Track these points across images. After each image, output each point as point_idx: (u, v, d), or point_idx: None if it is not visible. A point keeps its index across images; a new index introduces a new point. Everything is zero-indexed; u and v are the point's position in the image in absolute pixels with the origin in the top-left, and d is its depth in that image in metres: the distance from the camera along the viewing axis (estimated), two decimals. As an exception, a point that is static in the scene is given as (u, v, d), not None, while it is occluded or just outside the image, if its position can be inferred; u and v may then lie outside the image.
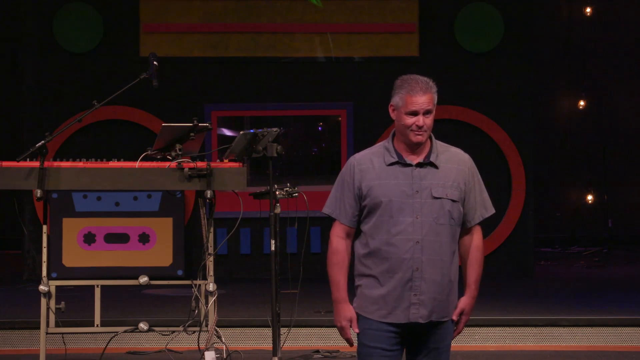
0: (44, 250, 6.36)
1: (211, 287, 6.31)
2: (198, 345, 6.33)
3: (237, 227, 6.59)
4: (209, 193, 5.99)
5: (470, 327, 7.60)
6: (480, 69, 11.37)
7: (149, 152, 6.16)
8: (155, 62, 6.25)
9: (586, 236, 14.62)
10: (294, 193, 6.28)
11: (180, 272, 10.39)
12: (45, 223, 6.39)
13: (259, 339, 7.53)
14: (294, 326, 6.98)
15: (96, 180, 6.02)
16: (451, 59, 11.38)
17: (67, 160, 6.09)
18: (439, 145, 4.28)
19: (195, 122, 6.01)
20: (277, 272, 6.08)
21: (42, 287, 6.24)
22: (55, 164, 6.01)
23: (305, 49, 11.42)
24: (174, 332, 6.72)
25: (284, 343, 6.57)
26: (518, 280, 10.94)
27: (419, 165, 4.19)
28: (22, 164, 5.95)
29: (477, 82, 11.37)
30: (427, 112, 4.18)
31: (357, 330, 4.23)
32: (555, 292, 10.18)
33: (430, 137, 4.26)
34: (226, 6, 11.38)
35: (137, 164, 6.06)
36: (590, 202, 15.00)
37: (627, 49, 14.94)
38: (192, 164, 6.04)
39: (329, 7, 11.32)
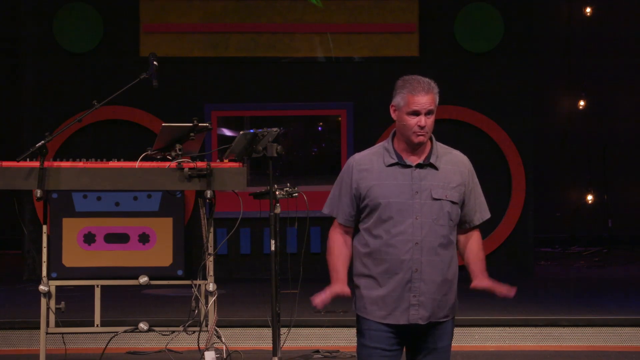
0: (44, 250, 6.36)
1: (211, 287, 6.31)
2: (198, 345, 6.32)
3: (237, 227, 6.59)
4: (209, 193, 5.99)
5: (470, 327, 7.61)
6: (480, 69, 11.37)
7: (149, 152, 6.16)
8: (155, 62, 6.24)
9: (586, 236, 14.61)
10: (294, 193, 6.28)
11: (180, 272, 10.39)
12: (45, 223, 6.39)
13: (259, 339, 7.52)
14: (294, 326, 6.98)
15: (96, 180, 6.02)
16: (451, 59, 11.37)
17: (67, 160, 6.09)
18: (439, 146, 4.28)
19: (195, 122, 6.01)
20: (277, 272, 6.08)
21: (42, 287, 6.24)
22: (55, 164, 6.01)
23: (305, 49, 11.42)
24: (174, 332, 6.72)
25: (284, 343, 6.57)
26: (518, 280, 10.88)
27: (419, 166, 4.19)
28: (22, 164, 5.95)
29: (477, 82, 11.37)
30: (428, 113, 4.18)
31: (348, 293, 4.19)
32: (555, 292, 10.18)
33: (430, 138, 4.26)
34: (226, 6, 11.38)
35: (137, 164, 6.06)
36: (590, 202, 14.99)
37: (627, 49, 14.94)
38: (192, 164, 6.04)
39: (329, 7, 11.32)
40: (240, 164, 6.12)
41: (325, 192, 4.36)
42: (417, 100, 4.15)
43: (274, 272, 6.06)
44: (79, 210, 10.48)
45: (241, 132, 6.05)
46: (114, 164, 6.08)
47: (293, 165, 11.37)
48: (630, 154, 14.90)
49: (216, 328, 6.30)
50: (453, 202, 4.19)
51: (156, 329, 6.68)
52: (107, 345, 6.71)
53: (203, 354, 6.20)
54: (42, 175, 5.90)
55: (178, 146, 6.07)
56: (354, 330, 4.38)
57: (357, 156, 4.31)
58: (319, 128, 11.60)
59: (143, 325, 6.49)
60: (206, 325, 6.32)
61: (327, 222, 4.33)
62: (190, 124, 6.00)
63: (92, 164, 6.05)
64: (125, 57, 11.17)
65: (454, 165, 4.24)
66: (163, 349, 7.16)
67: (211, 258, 6.34)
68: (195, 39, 11.36)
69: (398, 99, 4.19)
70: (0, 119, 14.18)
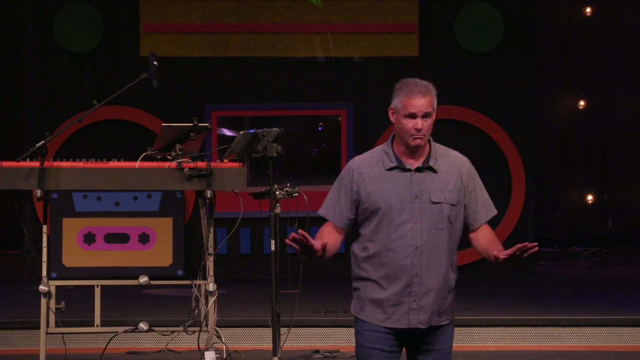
0: (44, 250, 6.36)
1: (211, 287, 6.31)
2: (198, 345, 6.33)
3: (237, 227, 6.59)
4: (209, 193, 5.99)
5: (470, 327, 7.61)
6: (480, 69, 11.37)
7: (149, 152, 6.16)
8: (155, 62, 6.24)
9: (586, 236, 14.61)
10: (294, 193, 6.28)
11: (180, 272, 10.39)
12: (45, 223, 6.39)
13: (259, 339, 7.53)
14: (294, 326, 6.98)
15: (96, 180, 6.02)
16: (451, 59, 11.38)
17: (67, 160, 6.09)
18: (438, 148, 4.26)
19: (195, 122, 6.01)
20: (277, 272, 6.08)
21: (42, 287, 6.24)
22: (55, 164, 6.01)
23: (305, 49, 11.42)
24: (174, 332, 6.72)
25: (284, 343, 6.57)
26: (518, 280, 10.93)
27: (418, 169, 4.18)
28: (22, 164, 5.95)
29: (477, 82, 11.37)
30: (425, 115, 4.16)
31: (317, 246, 4.08)
32: (555, 292, 10.18)
33: (429, 141, 4.25)
34: (226, 6, 11.38)
35: (137, 164, 6.06)
36: (590, 202, 14.99)
37: (627, 48, 14.94)
38: (192, 164, 6.04)
39: (329, 7, 11.32)
40: (240, 164, 6.13)
41: (326, 192, 4.36)
42: (414, 103, 4.14)
43: (274, 272, 6.06)
44: (79, 210, 10.48)
45: (241, 132, 6.05)
46: (114, 164, 6.08)
47: (293, 165, 11.37)
48: (630, 154, 14.90)
49: (216, 328, 6.30)
50: (452, 205, 4.17)
51: (156, 329, 6.69)
52: (107, 345, 6.71)
53: (203, 354, 6.20)
54: (42, 175, 5.90)
55: (178, 146, 6.07)
56: (353, 331, 4.38)
57: (357, 159, 4.30)
58: (319, 128, 11.60)
59: (143, 325, 6.49)
60: (206, 325, 6.32)
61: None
62: (190, 124, 6.00)
63: (92, 164, 6.05)
64: (125, 57, 11.18)
65: (452, 167, 4.23)
66: (163, 349, 7.16)
67: (211, 258, 6.34)
68: (195, 39, 11.36)
69: (396, 102, 4.19)
70: (0, 119, 14.18)
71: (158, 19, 11.32)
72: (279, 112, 11.34)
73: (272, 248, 6.09)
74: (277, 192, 6.15)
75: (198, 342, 6.32)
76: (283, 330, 6.47)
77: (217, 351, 6.32)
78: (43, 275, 6.30)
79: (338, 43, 11.40)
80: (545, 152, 14.57)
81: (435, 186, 4.16)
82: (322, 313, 7.92)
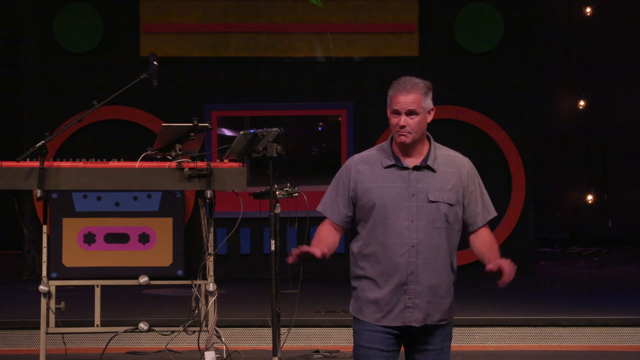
0: (44, 250, 6.36)
1: (211, 287, 6.31)
2: (198, 345, 6.32)
3: (237, 227, 6.59)
4: (209, 193, 5.99)
5: (470, 327, 7.61)
6: (480, 69, 11.37)
7: (149, 152, 6.16)
8: (155, 62, 6.24)
9: (586, 236, 14.61)
10: (294, 193, 6.28)
11: (180, 272, 10.39)
12: (45, 223, 6.39)
13: (259, 339, 7.52)
14: (294, 326, 6.98)
15: (96, 180, 6.02)
16: (451, 59, 11.38)
17: (67, 160, 6.09)
18: (438, 148, 4.26)
19: (195, 122, 6.01)
20: (277, 272, 6.08)
21: (42, 287, 6.24)
22: (55, 164, 6.01)
23: (305, 49, 11.42)
24: (174, 332, 6.72)
25: (284, 343, 6.57)
26: (518, 280, 10.87)
27: (416, 168, 4.18)
28: (22, 164, 5.95)
29: (477, 82, 11.37)
30: (410, 113, 4.14)
31: (317, 253, 4.11)
32: (555, 292, 10.18)
33: (429, 140, 4.25)
34: (226, 6, 11.38)
35: (137, 164, 6.06)
36: (590, 202, 14.99)
37: (627, 48, 14.94)
38: (192, 164, 6.04)
39: (329, 7, 11.32)
40: (240, 164, 6.12)
41: (325, 192, 4.36)
42: (397, 100, 4.14)
43: (274, 272, 6.06)
44: (79, 210, 10.48)
45: (241, 132, 6.05)
46: (114, 164, 6.08)
47: (293, 165, 11.37)
48: (630, 154, 14.90)
49: (216, 328, 6.30)
50: (450, 204, 4.17)
51: (156, 329, 6.68)
52: (107, 345, 6.71)
53: (203, 354, 6.20)
54: (42, 175, 5.90)
55: (178, 146, 6.07)
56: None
57: (356, 157, 4.31)
58: (319, 128, 11.60)
59: (143, 325, 6.49)
60: (206, 325, 6.32)
61: (327, 222, 4.33)
62: (190, 124, 6.00)
63: (92, 164, 6.05)
64: (125, 57, 11.18)
65: (452, 167, 4.22)
66: (163, 349, 7.16)
67: (211, 258, 6.34)
68: (195, 39, 11.36)
69: (387, 100, 4.21)
70: (0, 119, 14.18)
71: (158, 19, 11.32)
72: (279, 112, 11.34)
73: (272, 248, 6.09)
74: (277, 192, 6.15)
75: (198, 342, 6.32)
76: (283, 330, 6.46)
77: (217, 351, 6.32)
78: (43, 275, 6.30)
79: (338, 43, 11.40)
80: (545, 152, 14.57)
81: (433, 185, 4.16)
82: (322, 313, 7.92)
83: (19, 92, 11.41)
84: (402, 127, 4.14)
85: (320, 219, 4.34)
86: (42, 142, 5.86)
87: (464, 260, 10.12)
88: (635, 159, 14.87)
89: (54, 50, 11.20)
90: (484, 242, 4.27)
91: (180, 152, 6.06)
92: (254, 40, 11.37)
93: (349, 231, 4.31)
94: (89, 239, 10.47)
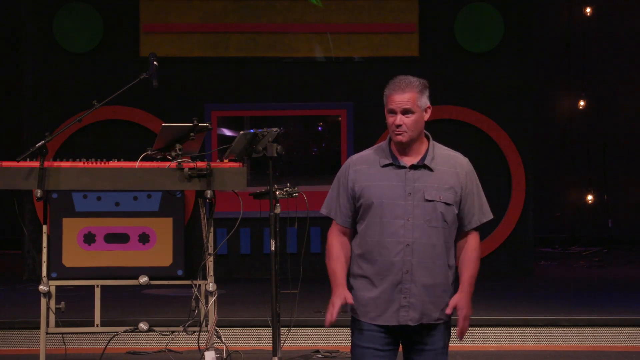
0: (44, 250, 6.36)
1: (211, 287, 6.31)
2: (198, 345, 6.33)
3: (237, 227, 6.59)
4: (209, 193, 5.99)
5: (470, 327, 7.58)
6: (480, 69, 11.37)
7: (149, 152, 6.16)
8: (155, 62, 6.24)
9: (586, 236, 14.61)
10: (294, 193, 6.29)
11: (180, 272, 10.39)
12: (45, 223, 6.39)
13: (259, 339, 7.52)
14: (294, 326, 6.98)
15: (96, 180, 6.02)
16: (451, 59, 11.38)
17: (67, 160, 6.09)
18: (437, 147, 4.25)
19: (195, 122, 6.01)
20: (277, 272, 6.08)
21: (42, 287, 6.24)
22: (55, 164, 6.01)
23: (305, 49, 11.42)
24: (174, 332, 6.72)
25: (284, 343, 6.57)
26: (518, 280, 10.94)
27: (413, 167, 4.18)
28: (22, 164, 5.95)
29: (477, 82, 11.38)
30: (406, 112, 4.14)
31: (350, 302, 4.17)
32: (555, 292, 10.18)
33: (428, 139, 4.25)
34: (226, 6, 11.38)
35: (137, 164, 6.06)
36: (590, 202, 15.00)
37: (627, 48, 14.95)
38: (192, 164, 6.04)
39: (329, 7, 11.32)
40: (240, 164, 6.12)
41: (325, 192, 4.36)
42: (393, 99, 4.15)
43: (274, 272, 6.06)
44: (79, 210, 10.48)
45: (241, 132, 6.05)
46: (114, 164, 6.08)
47: (293, 165, 11.37)
48: (630, 154, 14.91)
49: (216, 328, 6.30)
50: (447, 204, 4.16)
51: (156, 329, 6.68)
52: (107, 345, 6.71)
53: (203, 354, 6.20)
54: (42, 175, 5.90)
55: (178, 146, 6.07)
56: (353, 331, 4.38)
57: (355, 157, 4.32)
58: (319, 128, 11.60)
59: (143, 325, 6.49)
60: (206, 325, 6.32)
61: (327, 222, 4.33)
62: (190, 124, 6.00)
63: (92, 164, 6.05)
64: (125, 57, 11.18)
65: (450, 167, 4.21)
66: (163, 349, 7.15)
67: (211, 258, 6.34)
68: (195, 39, 11.36)
69: (384, 99, 4.21)
70: (0, 119, 14.18)
71: (158, 19, 11.32)
72: (279, 112, 11.35)
73: (272, 248, 6.09)
74: (277, 192, 6.15)
75: (198, 342, 6.32)
76: (283, 330, 6.46)
77: (217, 351, 6.32)
78: (43, 275, 6.30)
79: (338, 43, 11.40)
80: (545, 152, 14.57)
81: (430, 184, 4.16)
82: (322, 313, 7.92)
83: (19, 92, 11.41)
84: (398, 126, 4.14)
85: (321, 218, 4.34)
86: (42, 142, 5.86)
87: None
88: (635, 159, 14.87)
89: (54, 50, 11.20)
90: (465, 256, 4.25)
91: (180, 152, 6.06)
92: (254, 40, 11.37)
93: (354, 232, 4.30)
94: (89, 239, 10.47)
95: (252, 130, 6.03)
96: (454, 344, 4.44)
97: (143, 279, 6.49)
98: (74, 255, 10.39)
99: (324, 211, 4.33)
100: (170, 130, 6.05)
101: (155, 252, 10.47)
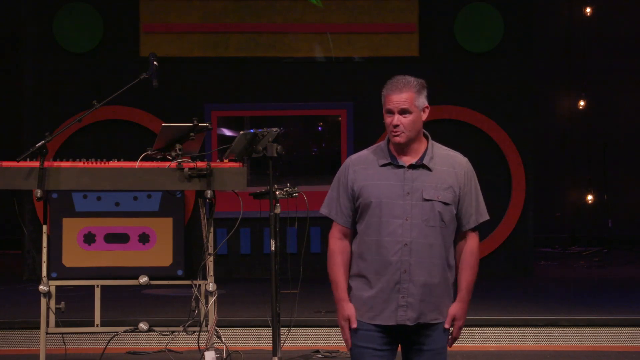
0: (44, 250, 6.36)
1: (211, 287, 6.31)
2: (198, 345, 6.33)
3: (237, 227, 6.59)
4: (209, 193, 5.99)
5: (470, 327, 7.60)
6: (480, 69, 11.37)
7: (149, 152, 6.17)
8: (155, 62, 6.25)
9: (586, 236, 14.62)
10: (294, 193, 6.29)
11: (180, 272, 10.39)
12: (45, 223, 6.39)
13: (259, 339, 7.52)
14: (294, 326, 6.98)
15: (96, 180, 6.02)
16: (451, 59, 11.38)
17: (67, 160, 6.09)
18: (436, 147, 4.25)
19: (195, 122, 6.01)
20: (277, 272, 6.08)
21: (42, 287, 6.24)
22: (55, 164, 6.01)
23: (305, 49, 11.42)
24: (174, 332, 6.72)
25: (284, 343, 6.57)
26: (518, 280, 10.94)
27: (412, 167, 4.18)
28: (22, 164, 5.95)
29: (477, 82, 11.38)
30: (403, 112, 4.14)
31: (354, 326, 4.22)
32: (555, 292, 10.18)
33: (427, 139, 4.24)
34: (226, 6, 11.38)
35: (137, 164, 6.06)
36: (590, 202, 15.00)
37: (627, 48, 14.95)
38: (192, 164, 6.04)
39: (329, 7, 11.32)
40: (240, 164, 6.13)
41: (326, 192, 4.36)
42: (390, 99, 4.15)
43: (274, 272, 6.06)
44: (79, 210, 10.48)
45: (241, 132, 6.05)
46: (114, 164, 6.08)
47: (293, 165, 11.37)
48: (630, 154, 14.91)
49: (216, 328, 6.30)
50: (445, 203, 4.16)
51: (156, 329, 6.68)
52: (107, 345, 6.71)
53: (203, 354, 6.20)
54: (42, 175, 5.90)
55: (178, 146, 6.08)
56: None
57: (354, 157, 4.32)
58: (319, 128, 11.61)
59: (143, 325, 6.49)
60: (206, 325, 6.32)
61: (327, 222, 4.32)
62: (190, 124, 6.00)
63: (92, 164, 6.05)
64: (125, 57, 11.18)
65: (449, 166, 4.21)
66: (163, 349, 7.15)
67: (211, 258, 6.34)
68: (195, 39, 11.36)
69: (382, 99, 4.21)
70: (0, 119, 14.18)
71: (158, 19, 11.32)
72: (279, 112, 11.35)
73: (272, 248, 6.09)
74: (277, 192, 6.15)
75: (198, 342, 6.32)
76: (283, 330, 6.46)
77: (217, 351, 6.32)
78: (43, 275, 6.30)
79: (338, 43, 11.40)
80: (545, 152, 14.58)
81: (428, 184, 4.15)
82: (322, 313, 7.92)
83: (19, 92, 11.41)
84: (396, 126, 4.14)
85: (321, 218, 4.34)
86: (42, 142, 5.87)
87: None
88: (635, 159, 14.87)
89: (54, 50, 11.20)
90: (464, 263, 4.24)
91: (180, 152, 6.06)
92: (254, 40, 11.37)
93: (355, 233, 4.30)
94: (89, 239, 10.47)
95: (252, 130, 6.03)
96: (455, 344, 4.43)
97: (143, 279, 6.49)
98: (74, 255, 10.39)
99: (324, 211, 4.33)
100: (170, 130, 6.05)
101: (155, 252, 10.47)
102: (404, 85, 4.14)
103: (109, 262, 10.36)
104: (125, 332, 6.69)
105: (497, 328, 7.68)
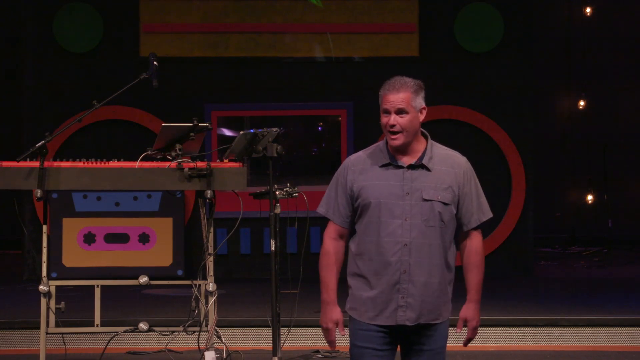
0: (44, 250, 6.36)
1: (211, 287, 6.32)
2: (198, 345, 6.33)
3: (237, 227, 6.59)
4: (209, 193, 5.99)
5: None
6: (480, 69, 11.37)
7: (149, 152, 6.17)
8: (155, 62, 6.25)
9: (586, 236, 14.61)
10: (294, 193, 6.29)
11: (180, 272, 10.39)
12: (45, 223, 6.39)
13: (259, 339, 7.52)
14: (294, 326, 6.98)
15: (96, 180, 6.02)
16: (451, 59, 11.38)
17: (67, 160, 6.09)
18: (435, 147, 4.25)
19: (195, 122, 6.01)
20: (277, 272, 6.08)
21: (42, 287, 6.24)
22: (55, 164, 6.01)
23: (305, 49, 11.42)
24: (174, 332, 6.72)
25: (284, 343, 6.57)
26: (518, 280, 10.94)
27: (411, 167, 4.18)
28: (22, 164, 5.95)
29: (477, 82, 11.37)
30: (400, 112, 4.15)
31: (342, 333, 4.23)
32: (555, 292, 10.18)
33: (426, 139, 4.24)
34: (226, 6, 11.38)
35: (137, 164, 6.06)
36: (590, 202, 15.00)
37: (627, 48, 14.95)
38: (192, 164, 6.04)
39: (329, 7, 11.32)
40: (240, 164, 6.13)
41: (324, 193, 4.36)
42: (387, 99, 4.16)
43: (274, 272, 6.06)
44: (79, 210, 10.48)
45: (241, 132, 6.05)
46: (114, 164, 6.08)
47: (293, 165, 11.37)
48: (630, 154, 14.91)
49: (216, 328, 6.30)
50: (445, 203, 4.15)
51: (156, 329, 6.69)
52: (107, 345, 6.71)
53: (203, 354, 6.20)
54: (42, 175, 5.90)
55: (178, 146, 6.08)
56: (352, 330, 4.38)
57: (352, 157, 4.32)
58: (319, 128, 11.60)
59: (143, 325, 6.49)
60: (206, 325, 6.32)
61: (326, 222, 4.33)
62: (190, 124, 6.00)
63: (92, 164, 6.05)
64: (125, 57, 11.18)
65: (448, 166, 4.21)
66: (163, 349, 7.16)
67: (211, 258, 6.34)
68: (195, 39, 11.36)
69: (379, 100, 4.22)
70: (0, 119, 14.18)
71: (158, 19, 11.32)
72: (279, 112, 11.35)
73: (272, 248, 6.09)
74: (277, 192, 6.15)
75: (198, 342, 6.32)
76: (283, 330, 6.47)
77: (217, 351, 6.32)
78: (43, 275, 6.30)
79: (338, 43, 11.40)
80: (545, 152, 14.57)
81: (427, 184, 4.15)
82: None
83: (19, 92, 11.41)
84: (392, 126, 4.15)
85: (321, 218, 4.34)
86: (42, 142, 5.87)
87: (464, 260, 10.05)
88: (635, 159, 14.87)
89: (54, 50, 11.20)
90: (470, 262, 4.24)
91: (180, 152, 6.07)
92: (254, 40, 11.37)
93: (352, 233, 4.30)
94: (89, 239, 10.47)
95: (252, 130, 6.03)
96: (454, 344, 4.44)
97: (143, 279, 6.49)
98: (74, 255, 10.39)
99: (321, 211, 4.33)
100: (170, 130, 6.05)
101: (155, 252, 10.47)
102: (401, 85, 4.15)
103: (109, 262, 10.36)
104: (125, 332, 6.70)
105: (497, 328, 7.68)
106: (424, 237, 4.12)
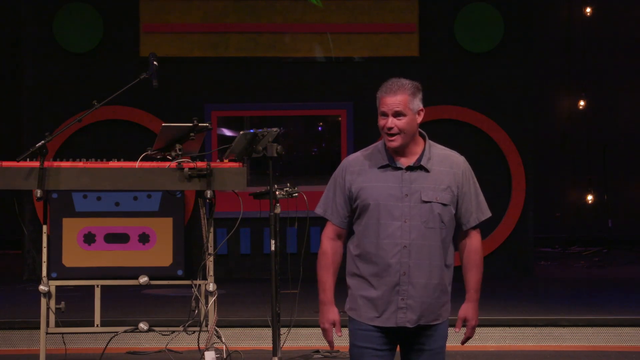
0: (44, 250, 6.36)
1: (211, 287, 6.32)
2: (198, 345, 6.33)
3: (237, 227, 6.59)
4: (209, 193, 5.99)
5: (470, 327, 7.60)
6: (480, 69, 11.37)
7: (149, 152, 6.17)
8: (155, 62, 6.25)
9: (586, 236, 14.61)
10: (294, 193, 6.29)
11: (180, 272, 10.39)
12: (45, 223, 6.39)
13: (259, 339, 7.52)
14: (294, 326, 6.98)
15: (96, 180, 6.02)
16: (451, 59, 11.38)
17: (67, 160, 6.09)
18: (434, 147, 4.24)
19: (195, 122, 6.01)
20: (277, 272, 6.08)
21: (42, 287, 6.24)
22: (55, 164, 6.01)
23: (305, 49, 11.42)
24: (174, 332, 6.72)
25: (284, 343, 6.57)
26: (518, 280, 10.94)
27: (409, 168, 4.17)
28: (22, 164, 5.95)
29: (477, 82, 11.38)
30: (397, 114, 4.14)
31: (339, 334, 4.23)
32: (555, 292, 10.18)
33: (424, 139, 4.24)
34: (226, 6, 11.38)
35: (137, 164, 6.06)
36: (590, 202, 15.00)
37: (627, 48, 14.95)
38: (192, 164, 6.04)
39: (329, 7, 11.32)
40: (240, 164, 6.13)
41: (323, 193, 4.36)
42: (384, 101, 4.15)
43: (274, 272, 6.06)
44: (79, 210, 10.48)
45: (241, 132, 6.05)
46: (114, 164, 6.08)
47: (293, 165, 11.37)
48: (630, 154, 14.91)
49: (216, 328, 6.30)
50: (444, 204, 4.14)
51: (156, 329, 6.69)
52: (107, 345, 6.71)
53: (203, 354, 6.20)
54: (42, 175, 5.90)
55: (178, 146, 6.08)
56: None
57: (351, 157, 4.31)
58: (319, 128, 11.61)
59: (143, 325, 6.49)
60: (206, 325, 6.32)
61: (326, 222, 4.33)
62: (190, 124, 6.00)
63: (92, 164, 6.05)
64: (125, 57, 11.18)
65: (447, 166, 4.20)
66: (163, 349, 7.16)
67: (211, 258, 6.34)
68: (195, 39, 11.36)
69: (377, 102, 4.22)
70: (0, 119, 14.18)
71: (158, 19, 11.32)
72: (279, 112, 11.35)
73: (272, 248, 6.09)
74: (277, 192, 6.15)
75: (198, 342, 6.32)
76: (283, 330, 6.46)
77: (217, 351, 6.32)
78: (43, 275, 6.30)
79: (338, 43, 11.40)
80: (545, 152, 14.58)
81: (426, 185, 4.14)
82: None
83: (19, 92, 11.41)
84: (390, 128, 4.15)
85: (321, 218, 4.34)
86: (42, 142, 5.87)
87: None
88: (635, 159, 14.87)
89: (54, 50, 11.21)
90: (469, 261, 4.24)
91: (180, 152, 6.06)
92: (254, 40, 11.37)
93: (350, 233, 4.30)
94: (89, 239, 10.47)
95: (252, 130, 6.03)
96: (454, 344, 4.44)
97: (143, 279, 6.49)
98: (74, 255, 10.39)
99: (319, 211, 4.32)
100: (170, 130, 6.05)
101: (155, 252, 10.48)
102: (398, 87, 4.14)
103: (109, 262, 10.36)
104: (125, 332, 6.69)
105: (497, 328, 7.68)
106: (424, 239, 4.12)
